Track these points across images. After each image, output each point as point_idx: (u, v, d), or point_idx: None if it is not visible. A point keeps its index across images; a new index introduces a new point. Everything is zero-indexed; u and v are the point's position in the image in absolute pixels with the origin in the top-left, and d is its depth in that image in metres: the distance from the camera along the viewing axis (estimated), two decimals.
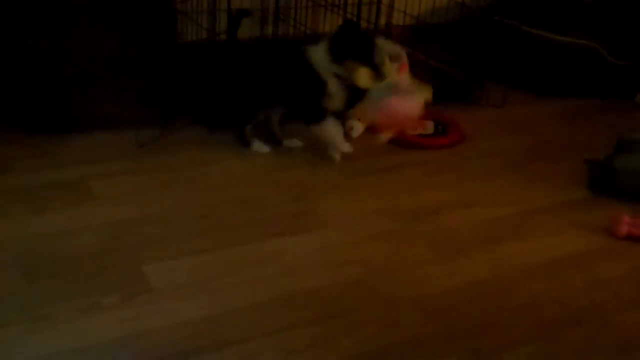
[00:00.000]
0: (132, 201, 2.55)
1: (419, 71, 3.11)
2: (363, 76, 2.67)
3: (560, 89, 3.77)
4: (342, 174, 2.84)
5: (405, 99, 2.75)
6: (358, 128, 3.11)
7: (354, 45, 2.67)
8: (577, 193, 2.85)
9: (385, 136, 2.93)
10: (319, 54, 2.71)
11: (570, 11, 4.14)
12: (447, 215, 2.62)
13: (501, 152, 3.15)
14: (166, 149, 2.89)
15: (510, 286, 2.25)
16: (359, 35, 2.74)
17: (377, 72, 2.68)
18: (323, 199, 2.65)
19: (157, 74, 2.98)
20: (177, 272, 2.19)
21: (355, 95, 2.76)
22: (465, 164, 3.02)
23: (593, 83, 3.75)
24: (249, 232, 2.40)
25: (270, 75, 2.83)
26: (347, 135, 2.96)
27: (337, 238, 2.42)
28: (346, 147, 2.87)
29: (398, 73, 2.91)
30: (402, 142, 3.09)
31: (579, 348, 2.00)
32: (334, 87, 2.71)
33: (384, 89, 2.73)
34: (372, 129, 3.00)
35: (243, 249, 2.32)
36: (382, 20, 3.89)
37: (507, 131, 3.37)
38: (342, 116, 2.92)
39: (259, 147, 2.94)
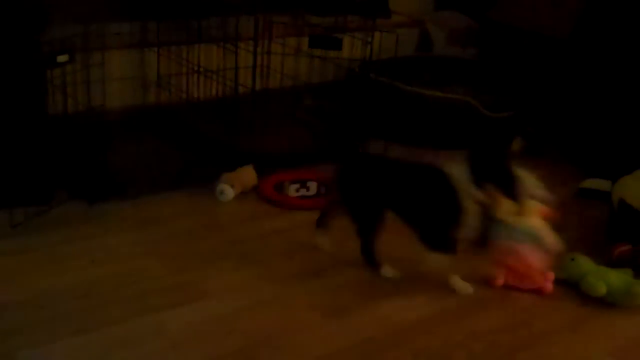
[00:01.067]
0: (5, 285, 2.46)
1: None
2: (504, 208, 2.39)
3: (438, 143, 3.88)
4: (225, 242, 2.83)
5: (537, 248, 2.45)
6: (229, 193, 3.14)
7: (496, 169, 2.39)
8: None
9: (498, 281, 2.60)
10: (458, 172, 2.40)
11: (447, 68, 4.34)
12: (331, 275, 2.64)
13: None
14: (43, 226, 2.81)
15: (392, 344, 2.28)
16: (502, 160, 2.44)
17: (519, 208, 2.40)
18: (205, 270, 2.63)
19: (29, 149, 2.91)
20: (53, 357, 2.12)
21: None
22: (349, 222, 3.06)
23: (469, 135, 3.89)
24: (130, 308, 2.36)
25: (399, 189, 2.54)
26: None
27: (219, 309, 2.40)
28: (468, 289, 2.57)
29: (538, 216, 2.50)
30: (284, 204, 3.13)
31: None
32: (471, 214, 2.39)
33: (520, 230, 2.44)
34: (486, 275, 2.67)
35: (123, 326, 2.27)
36: (259, 84, 3.92)
37: None
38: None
39: (388, 272, 2.64)
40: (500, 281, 2.61)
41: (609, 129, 3.62)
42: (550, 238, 2.42)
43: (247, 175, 3.29)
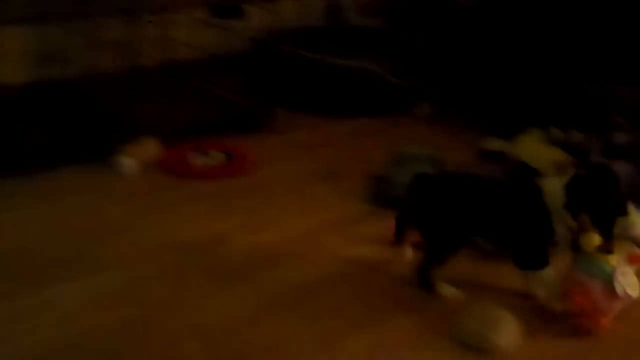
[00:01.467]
0: None
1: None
2: (590, 241, 2.17)
3: (346, 110, 3.91)
4: (127, 213, 2.79)
5: (608, 289, 2.15)
6: (130, 165, 3.12)
7: (599, 201, 2.15)
8: (361, 208, 2.96)
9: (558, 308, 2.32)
10: (554, 191, 2.19)
11: (355, 37, 4.36)
12: (231, 243, 2.63)
13: (287, 176, 3.21)
14: None
15: (293, 306, 2.29)
16: (611, 192, 2.19)
17: (607, 245, 2.15)
18: (105, 241, 2.58)
19: None
20: None
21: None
22: (251, 192, 3.05)
23: (375, 102, 3.92)
24: (25, 283, 2.30)
25: (487, 211, 2.31)
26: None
27: (116, 279, 2.36)
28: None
29: (625, 258, 2.25)
30: (187, 174, 3.10)
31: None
32: (560, 235, 2.20)
33: (596, 264, 2.17)
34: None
35: (17, 300, 2.22)
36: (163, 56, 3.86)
37: (293, 155, 3.44)
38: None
39: (449, 291, 2.37)
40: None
41: (508, 92, 3.69)
42: (626, 283, 2.15)
43: (150, 146, 3.24)
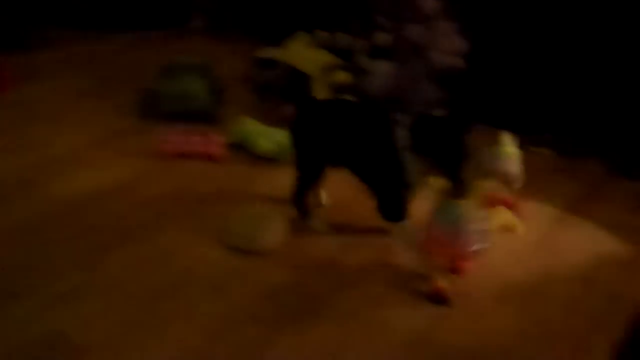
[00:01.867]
0: None
1: None
2: (436, 185, 2.00)
3: (116, 24, 3.74)
4: None
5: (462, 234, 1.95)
6: None
7: (443, 144, 2.00)
8: (127, 122, 2.86)
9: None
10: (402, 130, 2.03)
11: None
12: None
13: (53, 94, 3.06)
14: None
15: (49, 225, 2.18)
16: (456, 136, 2.00)
17: (458, 188, 1.97)
18: None
19: None
20: None
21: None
22: (13, 110, 2.88)
23: (148, 15, 3.78)
24: None
25: (344, 138, 2.14)
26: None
27: None
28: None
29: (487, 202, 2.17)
30: None
31: (118, 269, 2.00)
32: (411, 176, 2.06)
33: (451, 212, 1.97)
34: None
35: None
36: None
37: (60, 73, 3.27)
38: None
39: (319, 226, 2.25)
40: (169, 150, 2.58)
41: None
42: (481, 228, 1.99)
43: None
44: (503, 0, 2.86)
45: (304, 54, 3.03)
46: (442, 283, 1.96)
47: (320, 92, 2.84)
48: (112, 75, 3.28)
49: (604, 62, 2.75)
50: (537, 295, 1.97)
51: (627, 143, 2.73)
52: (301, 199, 2.25)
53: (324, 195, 2.35)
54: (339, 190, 2.33)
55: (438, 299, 1.94)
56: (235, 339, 1.76)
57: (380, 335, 1.80)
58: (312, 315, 1.86)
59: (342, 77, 2.95)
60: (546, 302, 1.95)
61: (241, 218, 2.17)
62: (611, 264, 2.12)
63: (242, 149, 2.66)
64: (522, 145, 2.29)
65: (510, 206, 2.28)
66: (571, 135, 2.80)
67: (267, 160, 2.59)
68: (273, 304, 1.89)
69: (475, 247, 1.96)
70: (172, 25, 3.86)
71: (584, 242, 2.22)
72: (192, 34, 3.85)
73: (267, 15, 3.64)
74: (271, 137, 2.63)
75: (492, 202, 2.25)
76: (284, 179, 2.28)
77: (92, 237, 2.13)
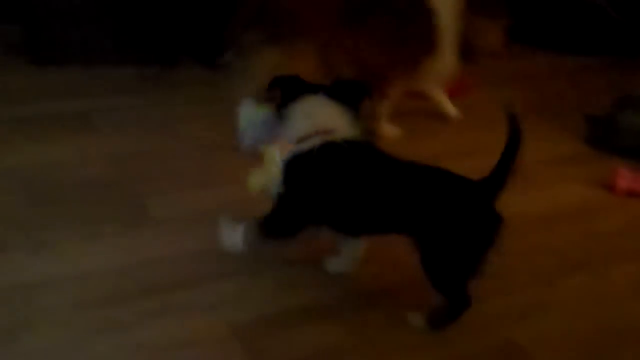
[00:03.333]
0: (134, 135, 2.56)
1: None
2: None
3: (569, 46, 3.75)
4: None
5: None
6: None
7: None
8: (576, 148, 2.87)
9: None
10: None
11: None
12: (445, 164, 2.61)
13: (497, 105, 3.13)
14: (169, 85, 2.89)
15: (508, 235, 2.26)
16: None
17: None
18: None
19: (159, 13, 2.96)
20: (178, 204, 2.20)
21: None
22: (466, 114, 3.02)
23: (596, 40, 3.74)
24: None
25: None
26: None
27: None
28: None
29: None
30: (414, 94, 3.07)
31: (573, 297, 2.02)
32: None
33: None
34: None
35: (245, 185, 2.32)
36: None
37: (509, 84, 3.36)
38: None
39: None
40: (622, 187, 2.53)
41: None
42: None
43: None
44: None
45: None
46: None
47: None
48: (557, 95, 3.30)
49: None
50: None
51: None
52: None
53: None
54: None
55: None
56: None
57: None
58: None
59: None
60: None
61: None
62: None
63: None
64: None
65: None
66: None
67: None
68: None
69: None
70: (623, 53, 3.76)
71: None
72: None
73: None
74: None
75: None
76: None
77: (549, 258, 2.18)
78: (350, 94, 1.82)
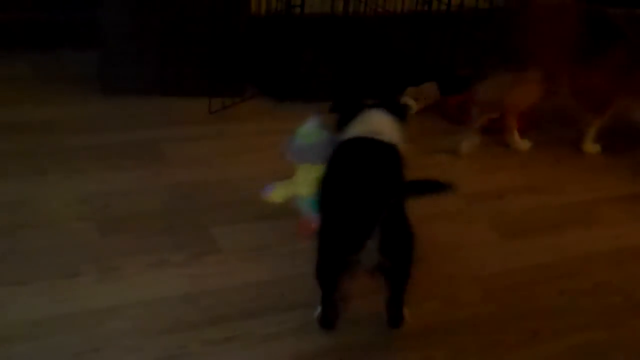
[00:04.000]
0: (202, 165, 2.62)
1: None
2: None
3: None
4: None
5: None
6: (412, 106, 3.14)
7: None
8: None
9: None
10: None
11: None
12: (512, 199, 2.61)
13: (571, 137, 3.09)
14: (236, 117, 2.96)
15: (573, 272, 2.25)
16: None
17: None
18: None
19: (228, 45, 3.03)
20: (244, 235, 2.24)
21: None
22: (534, 149, 3.00)
23: None
24: None
25: None
26: None
27: None
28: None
29: None
30: (465, 123, 3.08)
31: (638, 338, 1.99)
32: None
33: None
34: None
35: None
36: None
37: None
38: None
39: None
40: None
41: None
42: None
43: (431, 91, 3.28)
44: None
45: None
46: None
47: None
48: (624, 131, 3.23)
49: None
50: None
51: None
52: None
53: None
54: None
55: None
56: None
57: None
58: None
59: None
60: None
61: None
62: None
63: None
64: None
65: None
66: None
67: None
68: None
69: None
70: None
71: None
72: None
73: None
74: None
75: None
76: None
77: (614, 297, 2.15)
78: (398, 110, 2.14)
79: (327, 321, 1.86)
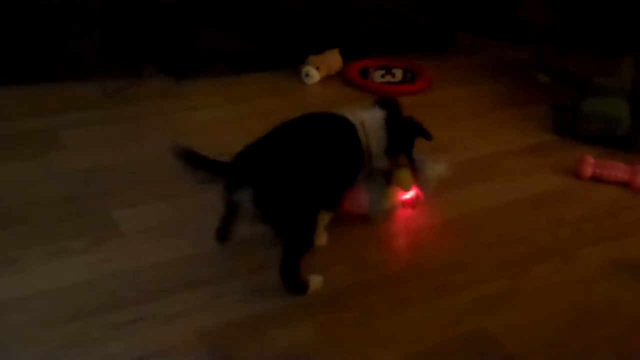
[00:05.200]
0: (100, 150, 2.55)
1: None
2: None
3: (526, 39, 3.77)
4: None
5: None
6: (314, 75, 3.19)
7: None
8: (543, 137, 2.89)
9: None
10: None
11: None
12: None
13: (468, 98, 3.17)
14: (134, 98, 2.89)
15: (477, 225, 2.29)
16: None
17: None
18: None
19: (123, 23, 2.96)
20: (146, 216, 2.20)
21: None
22: (434, 110, 3.03)
23: None
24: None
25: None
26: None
27: None
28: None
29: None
30: (368, 89, 3.11)
31: (542, 284, 2.04)
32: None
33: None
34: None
35: (213, 194, 2.32)
36: None
37: (475, 78, 3.38)
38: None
39: (317, 283, 1.98)
40: (587, 173, 2.56)
41: None
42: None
43: (333, 59, 3.28)
44: None
45: None
46: None
47: None
48: (524, 86, 3.31)
49: None
50: None
51: None
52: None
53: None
54: None
55: None
56: None
57: None
58: None
59: None
60: None
61: None
62: None
63: None
64: None
65: None
66: None
67: None
68: None
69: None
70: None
71: None
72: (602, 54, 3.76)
73: None
74: None
75: None
76: None
77: (516, 246, 2.20)
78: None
79: (220, 235, 2.05)
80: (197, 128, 2.73)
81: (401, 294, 1.95)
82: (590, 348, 1.81)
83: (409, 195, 2.28)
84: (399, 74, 3.27)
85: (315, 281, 1.95)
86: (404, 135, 2.20)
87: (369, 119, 2.12)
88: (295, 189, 1.86)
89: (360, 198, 2.20)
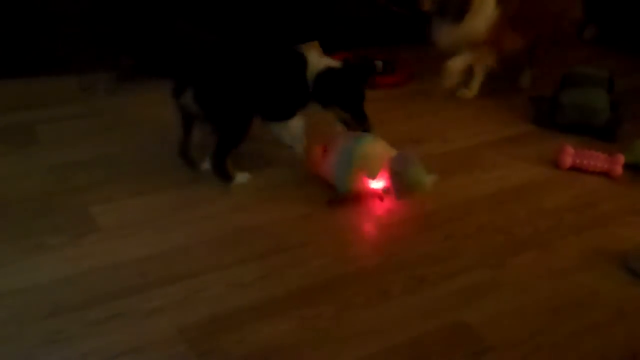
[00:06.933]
0: (77, 145, 2.54)
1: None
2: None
3: None
4: None
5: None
6: None
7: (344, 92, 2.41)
8: (523, 127, 2.90)
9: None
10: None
11: None
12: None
13: (449, 89, 3.16)
14: (111, 92, 2.87)
15: (457, 217, 2.28)
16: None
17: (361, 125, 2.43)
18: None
19: (100, 17, 2.93)
20: (124, 211, 2.19)
21: None
22: (414, 101, 3.04)
23: None
24: (198, 172, 2.40)
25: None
26: None
27: (286, 177, 2.44)
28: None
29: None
30: None
31: (522, 274, 2.04)
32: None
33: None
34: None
35: (192, 188, 2.32)
36: None
37: None
38: None
39: (242, 178, 2.38)
40: (567, 162, 2.56)
41: None
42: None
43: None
44: None
45: None
46: None
47: None
48: (504, 77, 3.31)
49: None
50: None
51: None
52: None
53: None
54: None
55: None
56: None
57: None
58: None
59: None
60: None
61: None
62: None
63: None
64: None
65: None
66: None
67: None
68: None
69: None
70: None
71: None
72: (584, 44, 3.78)
73: None
74: None
75: None
76: None
77: (496, 237, 2.19)
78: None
79: (181, 149, 2.35)
80: (174, 122, 2.70)
81: (381, 287, 1.94)
82: (571, 338, 1.80)
83: (379, 185, 2.26)
84: (379, 65, 3.26)
85: (242, 176, 2.35)
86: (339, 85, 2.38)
87: (325, 64, 2.36)
88: (230, 89, 2.21)
89: (329, 168, 2.28)
